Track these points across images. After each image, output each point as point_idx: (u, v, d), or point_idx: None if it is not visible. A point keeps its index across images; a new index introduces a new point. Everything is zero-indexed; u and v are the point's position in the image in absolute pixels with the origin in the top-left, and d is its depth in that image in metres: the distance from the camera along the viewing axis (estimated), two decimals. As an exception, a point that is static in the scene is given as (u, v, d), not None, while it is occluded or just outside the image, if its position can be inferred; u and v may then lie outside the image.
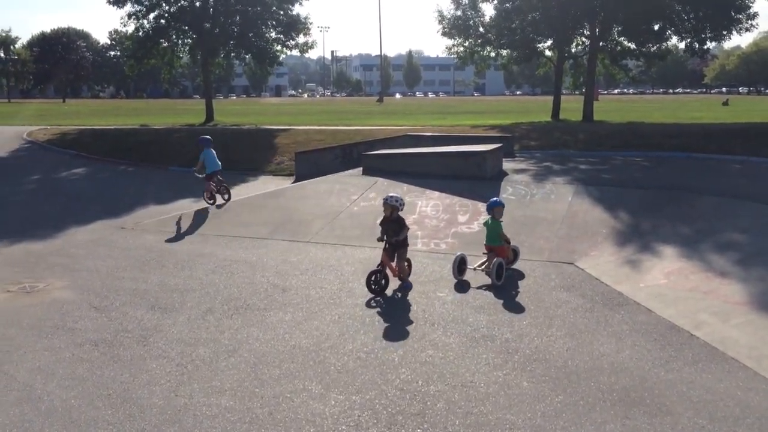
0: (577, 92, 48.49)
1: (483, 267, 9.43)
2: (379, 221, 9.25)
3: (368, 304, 8.54)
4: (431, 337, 7.42)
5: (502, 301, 8.59)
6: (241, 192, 17.48)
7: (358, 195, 14.15)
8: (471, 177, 14.52)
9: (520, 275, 9.66)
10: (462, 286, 9.20)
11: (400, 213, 9.12)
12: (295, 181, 18.60)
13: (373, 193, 14.17)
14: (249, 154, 23.63)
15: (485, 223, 9.88)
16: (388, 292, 8.93)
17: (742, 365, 6.49)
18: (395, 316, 8.14)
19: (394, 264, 8.99)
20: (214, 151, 15.17)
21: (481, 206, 11.81)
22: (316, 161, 19.27)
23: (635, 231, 11.18)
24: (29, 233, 12.73)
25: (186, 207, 15.39)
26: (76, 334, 7.54)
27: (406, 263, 9.19)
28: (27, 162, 23.94)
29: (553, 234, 11.38)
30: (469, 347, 7.13)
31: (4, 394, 6.03)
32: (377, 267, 8.87)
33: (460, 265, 9.47)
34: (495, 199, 10.17)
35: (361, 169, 16.44)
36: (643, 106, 69.68)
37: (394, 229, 8.94)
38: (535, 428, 5.39)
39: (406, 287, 9.01)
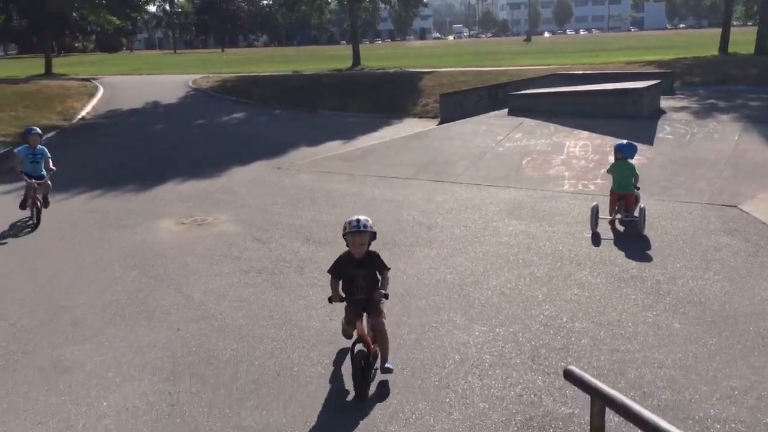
0: (750, 23, 43.75)
1: (616, 217, 8.89)
2: (333, 267, 5.33)
3: (511, 244, 8.55)
4: (577, 277, 7.35)
5: (654, 244, 8.26)
6: (386, 134, 17.89)
7: (504, 136, 13.98)
8: (625, 116, 13.82)
9: (675, 218, 9.18)
10: (612, 228, 8.93)
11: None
12: (439, 123, 18.69)
13: (519, 133, 13.94)
14: (394, 97, 23.96)
15: (612, 168, 9.19)
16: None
17: None
18: (540, 255, 8.11)
19: (366, 329, 5.30)
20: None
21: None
22: (460, 103, 19.18)
23: (812, 172, 10.19)
24: (197, 172, 13.92)
25: (335, 148, 16.04)
26: (242, 263, 8.28)
27: (383, 326, 5.22)
28: (193, 108, 25.90)
29: (716, 175, 10.63)
30: (617, 287, 6.99)
31: (184, 311, 6.82)
32: (356, 347, 5.13)
33: (598, 215, 8.79)
34: (626, 142, 9.34)
35: (506, 110, 16.18)
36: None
37: (370, 276, 5.23)
38: (685, 368, 5.26)
39: (385, 367, 5.16)
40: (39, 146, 10.57)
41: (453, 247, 8.57)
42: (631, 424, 3.31)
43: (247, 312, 6.77)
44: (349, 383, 5.19)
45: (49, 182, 10.69)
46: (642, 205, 8.72)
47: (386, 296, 5.15)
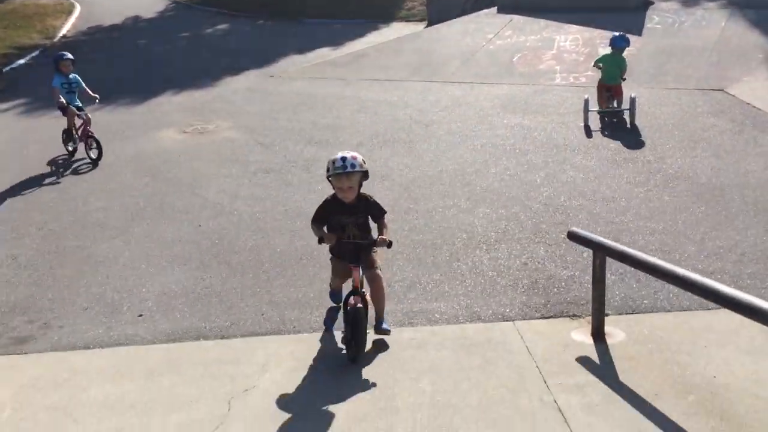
0: None
1: (608, 108, 9.13)
2: (317, 215, 4.40)
3: (507, 136, 8.86)
4: (572, 161, 7.73)
5: (644, 129, 8.61)
6: (374, 39, 17.77)
7: (494, 34, 14.01)
8: (614, 8, 13.82)
9: (664, 104, 9.50)
10: (601, 119, 9.23)
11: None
12: (427, 26, 18.53)
13: (509, 31, 13.97)
14: (379, 2, 23.52)
15: (602, 60, 9.38)
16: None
17: None
18: (536, 144, 8.45)
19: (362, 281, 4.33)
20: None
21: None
22: (447, 3, 18.94)
23: (796, 54, 10.46)
24: (190, 84, 13.91)
25: (325, 55, 15.99)
26: (249, 165, 8.57)
27: (380, 279, 4.40)
28: (175, 21, 25.28)
29: (703, 61, 10.87)
30: (610, 168, 7.39)
31: (202, 210, 7.17)
32: (350, 299, 4.26)
33: (589, 108, 9.01)
34: (619, 34, 9.51)
35: (495, 8, 16.06)
36: None
37: (363, 223, 4.39)
38: (675, 233, 5.73)
39: (382, 328, 4.39)
40: (72, 74, 9.39)
41: (451, 141, 8.88)
42: (626, 280, 3.76)
43: (262, 207, 7.13)
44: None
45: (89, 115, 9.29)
46: (633, 95, 8.94)
47: (389, 244, 4.19)
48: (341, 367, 4.11)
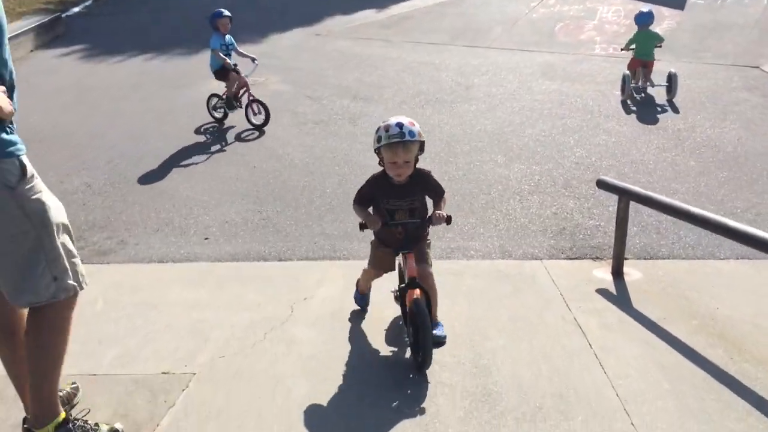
0: None
1: (645, 83, 9.27)
2: (360, 195, 3.61)
3: (544, 101, 9.25)
4: (605, 126, 8.13)
5: (678, 101, 8.92)
6: (419, 3, 18.02)
7: (538, 2, 14.25)
8: (658, -18, 13.93)
9: (700, 77, 9.77)
10: (637, 90, 9.53)
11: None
12: (471, -8, 18.71)
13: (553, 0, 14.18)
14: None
15: (633, 41, 9.46)
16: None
17: None
18: (571, 110, 8.84)
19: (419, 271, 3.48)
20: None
21: (666, 11, 11.61)
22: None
23: (837, 35, 10.60)
24: (238, 38, 14.38)
25: (370, 16, 16.35)
26: (299, 116, 9.10)
27: (433, 277, 3.64)
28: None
29: (743, 38, 11.06)
30: (641, 134, 7.78)
31: (256, 153, 7.75)
32: (409, 292, 3.41)
33: (627, 83, 9.19)
34: (643, 11, 9.62)
35: (539, -24, 16.22)
36: None
37: (419, 207, 3.62)
38: (696, 194, 6.15)
39: (435, 334, 3.51)
40: (227, 34, 8.83)
41: (490, 103, 9.30)
42: (647, 232, 4.22)
43: (311, 154, 7.68)
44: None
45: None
46: (673, 70, 9.07)
47: (449, 219, 3.41)
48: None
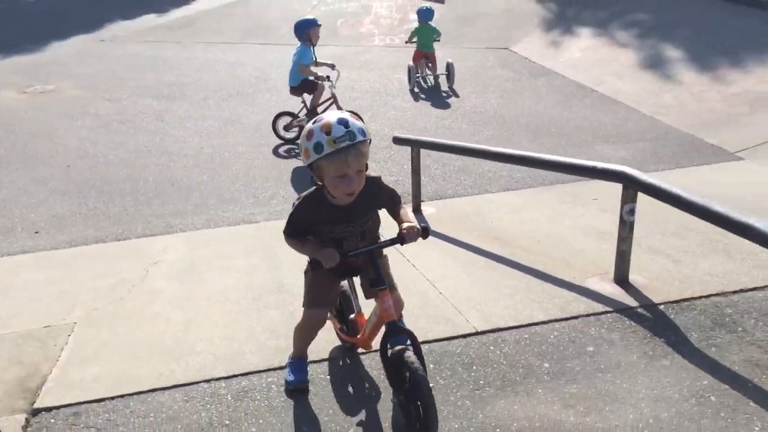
0: None
1: (426, 74, 10.48)
2: (293, 221, 2.66)
3: (336, 86, 10.26)
4: (392, 103, 9.36)
5: (449, 81, 10.44)
6: (200, 6, 18.28)
7: (318, 1, 15.32)
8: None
9: (463, 59, 11.45)
10: (424, 80, 10.86)
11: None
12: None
13: (332, -2, 15.36)
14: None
15: (415, 34, 10.55)
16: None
17: (625, 105, 8.67)
18: (361, 92, 9.97)
19: (388, 302, 2.63)
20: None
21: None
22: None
23: (561, 18, 12.93)
24: (14, 50, 13.71)
25: (152, 21, 16.32)
26: (102, 118, 9.18)
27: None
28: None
29: (494, 26, 13.04)
30: (422, 108, 9.12)
31: (66, 154, 7.79)
32: (397, 345, 2.58)
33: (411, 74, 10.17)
34: (424, 7, 10.93)
35: (316, -22, 17.34)
36: None
37: (371, 227, 2.79)
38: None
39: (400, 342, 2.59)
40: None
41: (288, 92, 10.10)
42: (436, 180, 5.29)
43: (125, 149, 7.93)
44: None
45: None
46: (450, 61, 10.33)
47: (425, 231, 2.67)
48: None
